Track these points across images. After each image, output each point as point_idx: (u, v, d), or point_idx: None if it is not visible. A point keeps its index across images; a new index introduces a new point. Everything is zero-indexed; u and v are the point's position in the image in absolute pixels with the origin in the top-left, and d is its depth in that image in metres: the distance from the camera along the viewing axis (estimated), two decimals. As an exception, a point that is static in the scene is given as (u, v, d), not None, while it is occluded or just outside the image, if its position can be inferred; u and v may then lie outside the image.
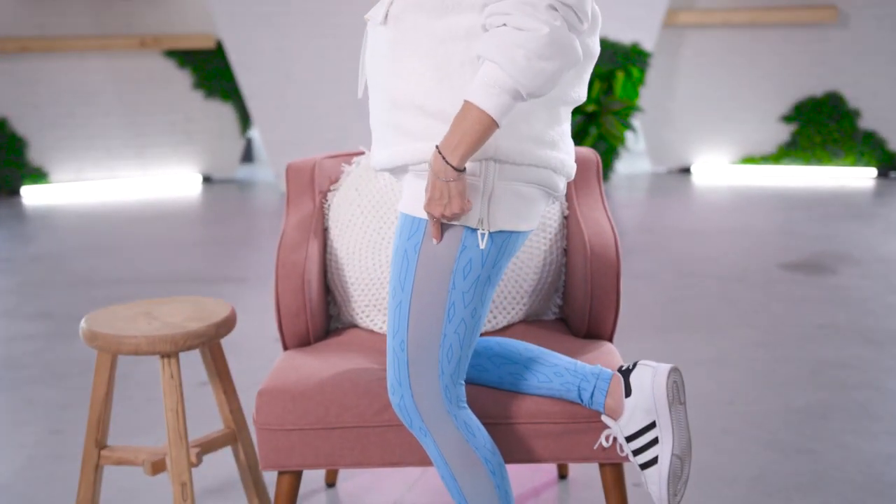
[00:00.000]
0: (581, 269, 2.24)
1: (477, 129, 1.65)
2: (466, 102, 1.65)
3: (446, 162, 1.66)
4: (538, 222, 1.93)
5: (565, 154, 1.84)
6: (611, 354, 2.17)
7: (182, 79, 6.56)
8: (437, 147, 1.67)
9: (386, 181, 2.31)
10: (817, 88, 6.45)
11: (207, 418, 2.91)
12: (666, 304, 4.11)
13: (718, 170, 6.73)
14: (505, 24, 1.63)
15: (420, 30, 1.73)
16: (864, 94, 6.40)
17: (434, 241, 1.76)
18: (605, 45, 5.89)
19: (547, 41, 1.61)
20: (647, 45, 6.16)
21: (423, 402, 1.83)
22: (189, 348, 2.19)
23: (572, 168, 1.86)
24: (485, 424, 1.96)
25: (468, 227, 1.75)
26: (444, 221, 1.73)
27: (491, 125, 1.65)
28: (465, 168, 1.68)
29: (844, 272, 4.45)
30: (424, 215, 1.76)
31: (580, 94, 1.84)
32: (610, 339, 2.29)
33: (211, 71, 6.55)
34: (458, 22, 1.71)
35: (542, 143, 1.78)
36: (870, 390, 3.17)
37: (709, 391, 3.18)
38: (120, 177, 6.61)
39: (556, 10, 1.62)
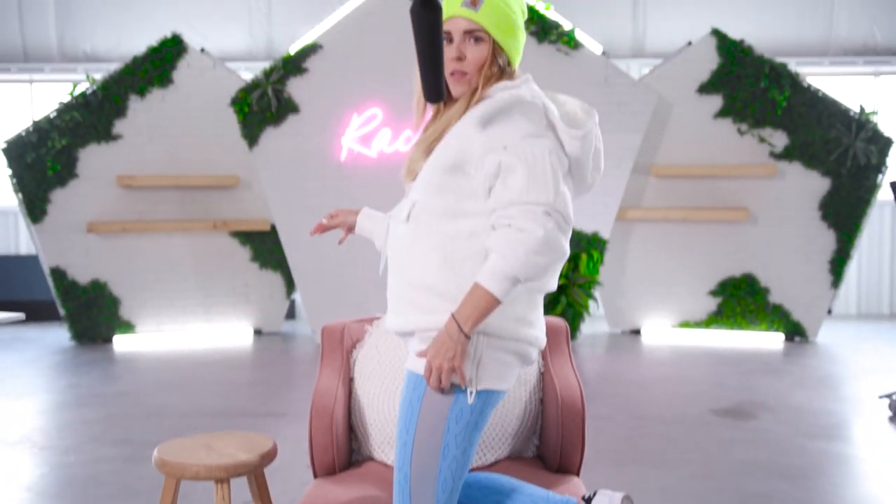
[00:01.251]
0: (554, 416, 2.22)
1: (483, 305, 1.69)
2: (477, 284, 1.69)
3: (460, 328, 1.69)
4: (514, 382, 1.92)
5: (538, 331, 1.86)
6: (577, 487, 2.12)
7: (243, 253, 6.66)
8: (452, 315, 1.70)
9: (399, 342, 2.32)
10: (736, 270, 6.53)
11: (250, 532, 2.81)
12: (621, 442, 4.03)
13: (662, 332, 6.72)
14: (510, 225, 1.68)
15: (434, 229, 1.78)
16: (772, 276, 6.47)
17: (434, 391, 1.75)
18: (573, 233, 6.01)
19: (542, 241, 1.66)
20: (605, 233, 6.29)
21: None
22: (238, 475, 2.15)
23: (543, 341, 1.88)
24: (475, 545, 1.89)
25: (459, 386, 1.75)
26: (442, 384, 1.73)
27: (495, 303, 1.69)
28: (471, 335, 1.71)
29: (763, 417, 4.38)
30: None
31: (553, 285, 1.88)
32: (577, 473, 2.24)
33: (266, 248, 6.66)
34: (465, 225, 1.77)
35: (523, 322, 1.80)
36: (787, 517, 3.07)
37: (657, 516, 3.08)
38: (190, 329, 6.61)
39: (549, 215, 1.68)
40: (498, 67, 1.81)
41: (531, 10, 6.04)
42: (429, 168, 1.79)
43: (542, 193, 1.68)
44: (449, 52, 1.80)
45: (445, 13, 1.81)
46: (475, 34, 1.79)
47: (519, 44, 1.84)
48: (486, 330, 1.74)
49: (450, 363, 1.70)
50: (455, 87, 1.82)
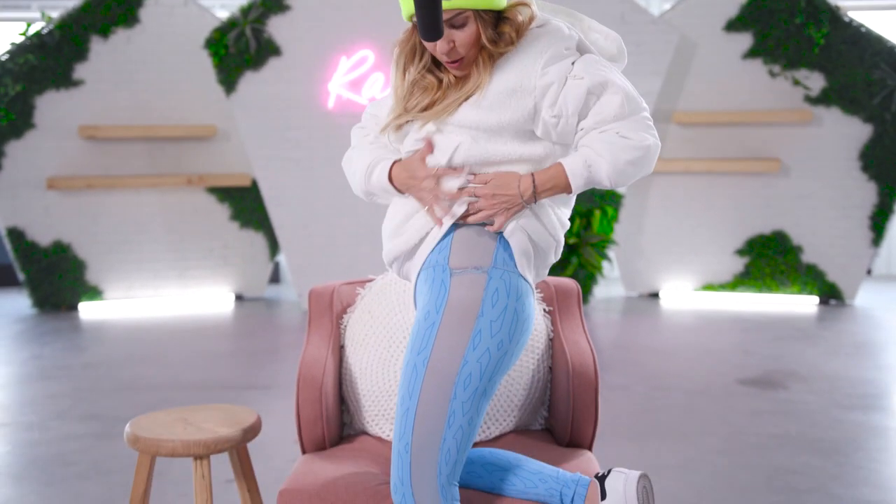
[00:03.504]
0: (564, 386, 2.23)
1: (559, 186, 1.82)
2: (562, 165, 1.81)
3: (535, 188, 1.81)
4: (530, 327, 1.92)
5: (554, 257, 1.98)
6: (590, 462, 2.14)
7: (221, 211, 6.65)
8: (532, 174, 1.82)
9: (394, 302, 2.32)
10: (765, 227, 6.53)
11: (232, 513, 2.84)
12: (638, 414, 4.07)
13: (683, 295, 6.75)
14: (617, 133, 1.78)
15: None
16: (805, 232, 6.47)
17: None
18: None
19: (645, 152, 1.78)
20: (620, 187, 6.27)
21: (422, 499, 1.80)
22: (219, 451, 2.17)
23: (543, 277, 2.01)
24: (478, 525, 1.92)
25: (472, 339, 1.77)
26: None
27: (566, 190, 1.83)
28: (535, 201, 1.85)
29: (794, 388, 4.42)
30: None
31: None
32: (590, 448, 2.26)
33: (246, 205, 6.65)
34: (533, 150, 1.86)
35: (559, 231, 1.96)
36: (819, 494, 3.11)
37: (676, 493, 3.12)
38: (164, 295, 6.63)
39: (650, 124, 1.81)
40: (492, 29, 1.81)
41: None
42: (477, 123, 1.83)
43: (641, 102, 1.81)
44: (437, 46, 1.80)
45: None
46: (455, 20, 1.79)
47: None
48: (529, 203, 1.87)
49: (504, 214, 1.82)
50: (458, 72, 1.85)
